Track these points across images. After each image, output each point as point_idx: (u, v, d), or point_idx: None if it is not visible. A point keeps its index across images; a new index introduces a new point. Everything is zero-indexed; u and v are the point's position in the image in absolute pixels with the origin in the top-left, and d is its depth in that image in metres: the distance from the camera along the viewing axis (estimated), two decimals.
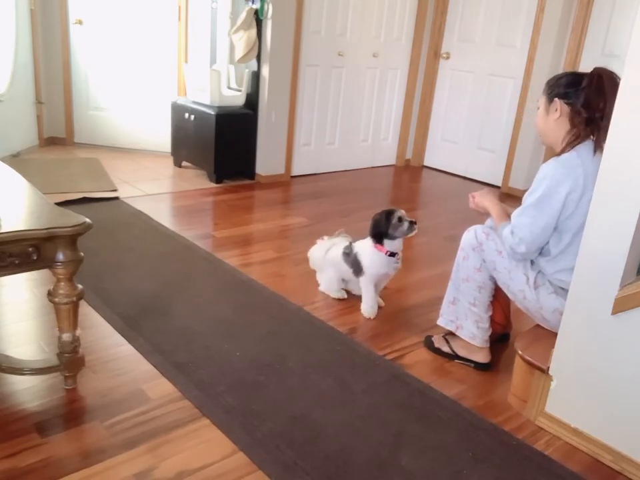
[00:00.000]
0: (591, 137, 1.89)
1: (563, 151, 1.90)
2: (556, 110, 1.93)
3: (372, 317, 2.51)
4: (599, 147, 1.85)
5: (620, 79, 1.75)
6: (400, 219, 2.40)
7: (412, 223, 2.40)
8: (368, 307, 2.53)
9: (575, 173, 1.84)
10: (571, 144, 1.89)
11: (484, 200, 2.14)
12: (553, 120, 1.95)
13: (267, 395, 1.90)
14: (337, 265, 2.60)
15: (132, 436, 1.68)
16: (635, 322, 1.63)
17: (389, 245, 2.43)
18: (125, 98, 4.99)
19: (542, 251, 1.97)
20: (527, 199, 1.93)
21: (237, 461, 1.62)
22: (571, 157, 1.87)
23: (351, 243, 2.58)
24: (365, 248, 2.49)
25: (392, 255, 2.45)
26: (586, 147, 1.88)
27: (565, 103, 1.91)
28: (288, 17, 4.24)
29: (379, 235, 2.43)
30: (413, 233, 2.43)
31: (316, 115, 4.79)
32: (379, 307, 2.60)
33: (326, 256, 2.65)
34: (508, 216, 2.03)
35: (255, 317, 2.42)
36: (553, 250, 1.94)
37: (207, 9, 4.62)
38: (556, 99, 1.93)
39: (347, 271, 2.56)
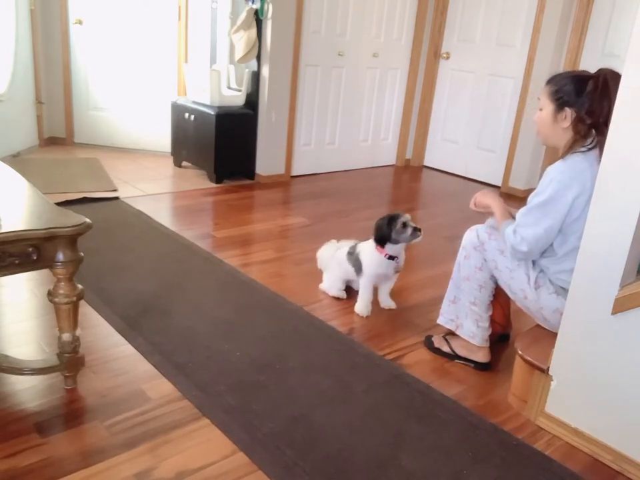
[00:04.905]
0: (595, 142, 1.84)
1: (568, 153, 1.87)
2: (565, 118, 1.89)
3: (365, 316, 2.52)
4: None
5: None
6: (404, 225, 2.40)
7: (416, 230, 2.40)
8: (362, 306, 2.53)
9: (583, 177, 1.81)
10: (574, 148, 1.86)
11: (486, 198, 2.11)
12: (562, 128, 1.91)
13: (266, 395, 1.90)
14: (342, 264, 2.62)
15: (132, 436, 1.68)
16: (635, 322, 1.63)
17: (389, 249, 2.44)
18: (125, 98, 4.99)
19: (546, 252, 1.95)
20: (533, 200, 1.90)
21: (236, 460, 1.62)
22: (579, 159, 1.84)
23: (356, 244, 2.61)
24: (367, 248, 2.51)
25: (391, 258, 2.46)
26: (593, 150, 1.85)
27: (575, 111, 1.87)
28: (288, 17, 4.24)
29: (383, 238, 2.43)
30: (418, 240, 2.42)
31: (316, 115, 4.79)
32: (390, 309, 2.61)
33: (334, 256, 2.68)
34: (510, 215, 2.02)
35: (255, 317, 2.42)
36: (558, 251, 1.93)
37: (207, 8, 4.62)
38: (566, 108, 1.88)
39: (350, 269, 2.57)
